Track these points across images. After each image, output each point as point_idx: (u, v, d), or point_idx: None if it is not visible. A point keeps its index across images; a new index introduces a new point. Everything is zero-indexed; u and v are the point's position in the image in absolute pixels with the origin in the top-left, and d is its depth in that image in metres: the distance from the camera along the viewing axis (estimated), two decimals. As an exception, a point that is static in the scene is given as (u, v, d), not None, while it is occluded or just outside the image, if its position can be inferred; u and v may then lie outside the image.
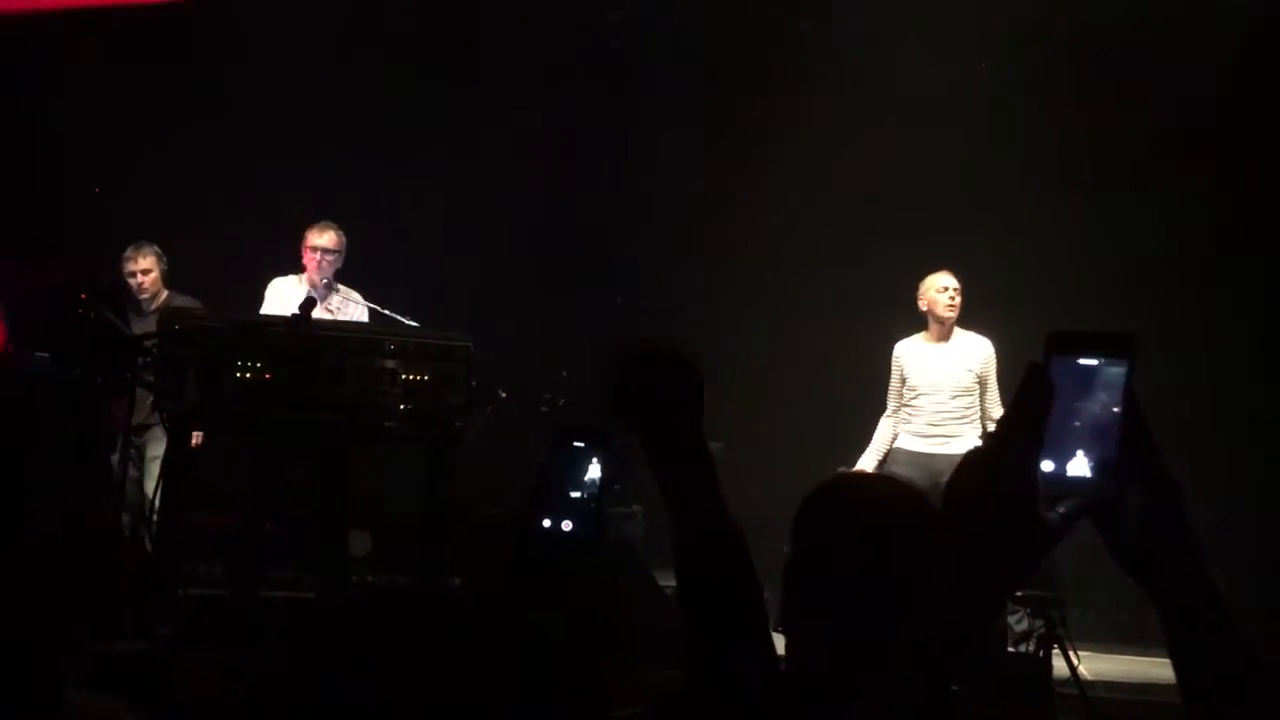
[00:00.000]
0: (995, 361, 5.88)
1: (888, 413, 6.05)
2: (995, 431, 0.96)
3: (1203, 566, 0.96)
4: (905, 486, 1.57)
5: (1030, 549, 0.93)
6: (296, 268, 5.65)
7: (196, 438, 5.49)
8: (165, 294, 6.08)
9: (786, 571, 1.47)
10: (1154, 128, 7.24)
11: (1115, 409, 0.93)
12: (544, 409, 6.33)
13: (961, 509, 0.95)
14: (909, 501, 1.49)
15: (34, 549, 1.69)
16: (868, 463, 5.94)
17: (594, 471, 1.41)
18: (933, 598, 0.95)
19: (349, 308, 5.60)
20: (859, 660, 1.30)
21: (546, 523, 1.39)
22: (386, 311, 5.54)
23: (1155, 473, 0.96)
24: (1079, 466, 0.92)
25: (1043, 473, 0.92)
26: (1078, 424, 0.93)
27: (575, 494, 1.40)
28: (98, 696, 1.70)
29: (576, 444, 1.42)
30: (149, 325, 5.38)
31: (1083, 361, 0.94)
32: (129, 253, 6.09)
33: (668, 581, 5.10)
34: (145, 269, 6.04)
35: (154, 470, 5.61)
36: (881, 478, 1.58)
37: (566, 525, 1.39)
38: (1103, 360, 0.94)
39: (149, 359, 4.89)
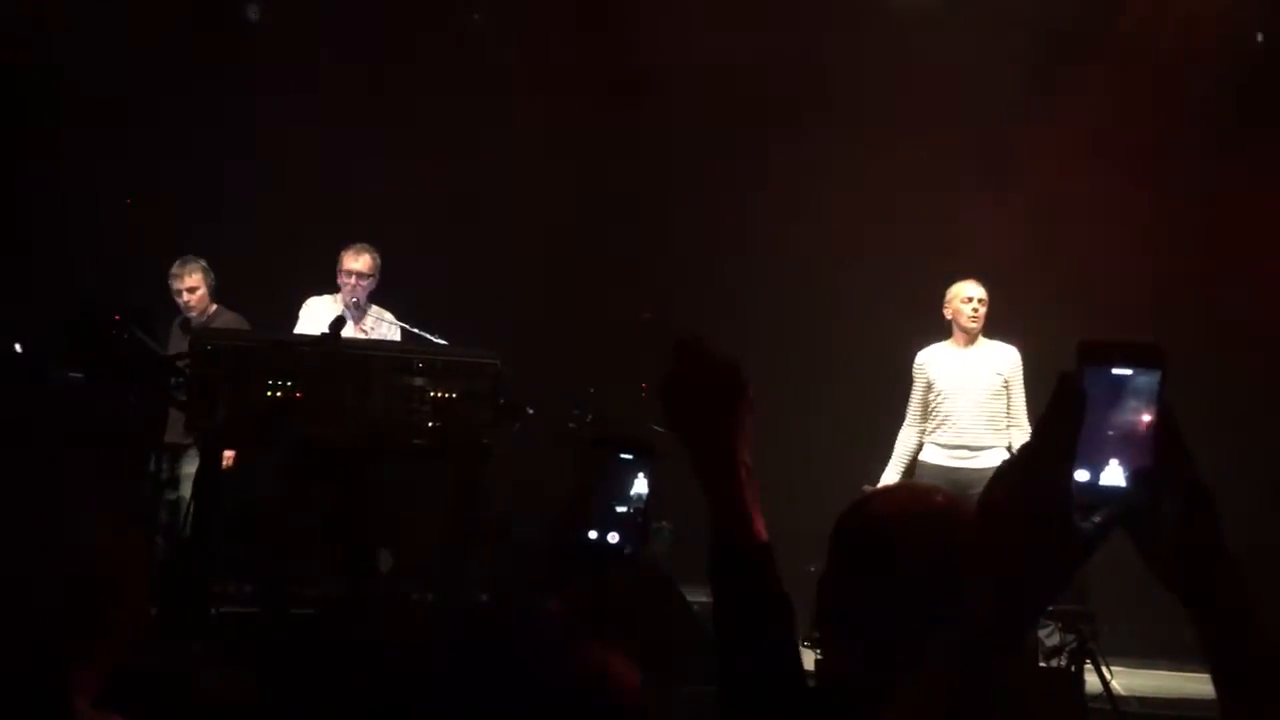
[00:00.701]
0: (1021, 369, 5.87)
1: (907, 423, 6.02)
2: (1028, 442, 0.96)
3: (1237, 575, 0.96)
4: (944, 494, 1.56)
5: (1066, 559, 0.93)
6: (332, 287, 5.71)
7: (227, 458, 5.54)
8: (213, 309, 6.14)
9: (821, 583, 1.47)
10: (1189, 130, 7.21)
11: (1148, 418, 0.93)
12: (571, 425, 6.34)
13: (996, 519, 0.95)
14: (947, 510, 1.49)
15: (40, 562, 1.70)
16: (891, 477, 5.92)
17: (640, 486, 1.40)
18: (967, 610, 0.95)
19: (382, 327, 5.65)
20: (891, 672, 1.30)
21: (593, 535, 1.39)
22: (422, 333, 5.58)
23: (1189, 481, 0.96)
24: (1113, 475, 0.93)
25: (1077, 482, 0.93)
26: (1111, 433, 0.93)
27: (621, 508, 1.40)
28: (106, 714, 1.71)
29: (624, 456, 1.41)
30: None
31: (1115, 371, 0.94)
32: (175, 269, 6.13)
33: (695, 597, 5.10)
34: (191, 286, 6.09)
35: (185, 487, 5.67)
36: (919, 487, 1.57)
37: (613, 538, 1.39)
38: (1135, 370, 0.94)
39: (181, 379, 4.94)
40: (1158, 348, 0.95)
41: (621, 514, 1.39)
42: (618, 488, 1.40)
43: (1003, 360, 5.88)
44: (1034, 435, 0.96)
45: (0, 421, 5.24)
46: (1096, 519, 0.93)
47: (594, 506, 1.40)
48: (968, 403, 5.85)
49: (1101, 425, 0.93)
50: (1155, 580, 1.00)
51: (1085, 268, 7.12)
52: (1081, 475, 0.93)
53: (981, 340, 5.96)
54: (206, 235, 6.68)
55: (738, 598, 1.41)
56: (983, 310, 5.89)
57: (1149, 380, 0.94)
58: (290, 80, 7.31)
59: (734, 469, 1.40)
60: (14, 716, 1.62)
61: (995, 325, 6.01)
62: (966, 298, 5.89)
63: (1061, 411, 0.93)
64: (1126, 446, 0.93)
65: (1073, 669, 4.60)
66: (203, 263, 6.14)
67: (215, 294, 6.15)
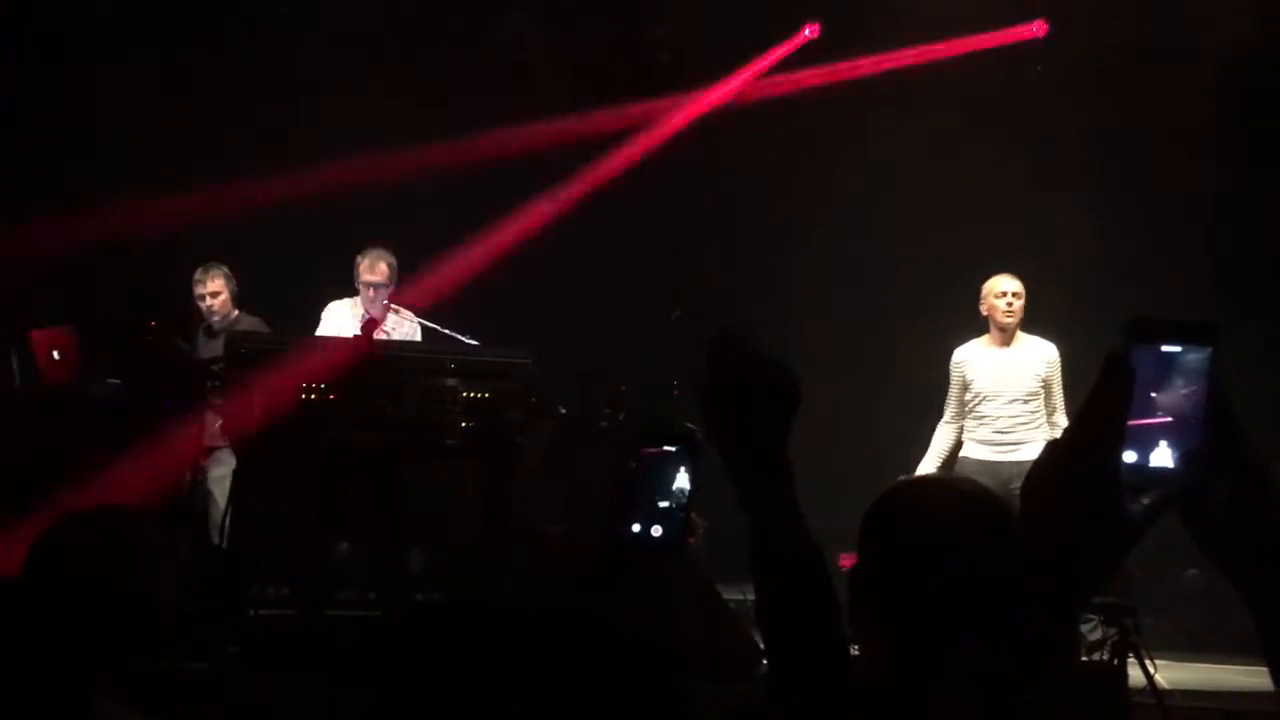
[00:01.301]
0: (1060, 365, 5.75)
1: (945, 420, 5.95)
2: (1074, 423, 0.93)
3: None
4: (976, 485, 1.54)
5: (1115, 542, 0.91)
6: (352, 290, 5.74)
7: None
8: (236, 314, 6.19)
9: (853, 578, 1.45)
10: (1225, 133, 7.13)
11: (1199, 397, 0.90)
12: (604, 424, 6.34)
13: (1042, 503, 0.92)
14: (980, 501, 1.46)
15: (63, 559, 1.70)
16: (927, 470, 5.85)
17: (682, 480, 1.39)
18: (1013, 598, 0.92)
19: (404, 327, 5.67)
20: (929, 668, 1.28)
21: (636, 527, 1.38)
22: (442, 329, 5.59)
23: (1243, 461, 0.92)
24: (1162, 457, 0.90)
25: (1125, 464, 0.90)
26: (1160, 413, 0.90)
27: (664, 503, 1.38)
28: (126, 709, 1.71)
29: (668, 449, 1.40)
30: (219, 347, 5.47)
31: (1165, 349, 0.91)
32: (198, 275, 6.18)
33: (731, 595, 5.07)
34: (215, 290, 6.13)
35: (218, 490, 5.72)
36: (951, 478, 1.54)
37: (656, 531, 1.37)
38: (1185, 347, 0.91)
39: (217, 383, 4.97)
40: (1209, 324, 0.92)
41: (664, 508, 1.38)
42: (660, 481, 1.39)
43: (1041, 360, 5.75)
44: (1079, 416, 0.93)
45: (40, 426, 5.31)
46: (1145, 501, 0.90)
47: (636, 501, 1.38)
48: (1004, 405, 5.77)
49: (1151, 405, 0.90)
50: (1205, 566, 0.96)
51: (1136, 261, 7.04)
52: (1129, 456, 0.90)
53: (1020, 337, 5.83)
54: (224, 236, 6.74)
55: (788, 599, 1.39)
56: (1018, 304, 5.77)
57: (1199, 358, 0.91)
58: (303, 78, 7.35)
59: (783, 469, 1.38)
60: (36, 711, 1.62)
61: (1043, 319, 5.89)
62: (1000, 292, 5.79)
63: (1109, 391, 0.90)
64: (1177, 426, 0.90)
65: (1115, 663, 4.54)
66: (225, 268, 6.19)
67: (237, 299, 6.20)
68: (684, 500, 1.38)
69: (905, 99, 7.37)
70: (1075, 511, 0.90)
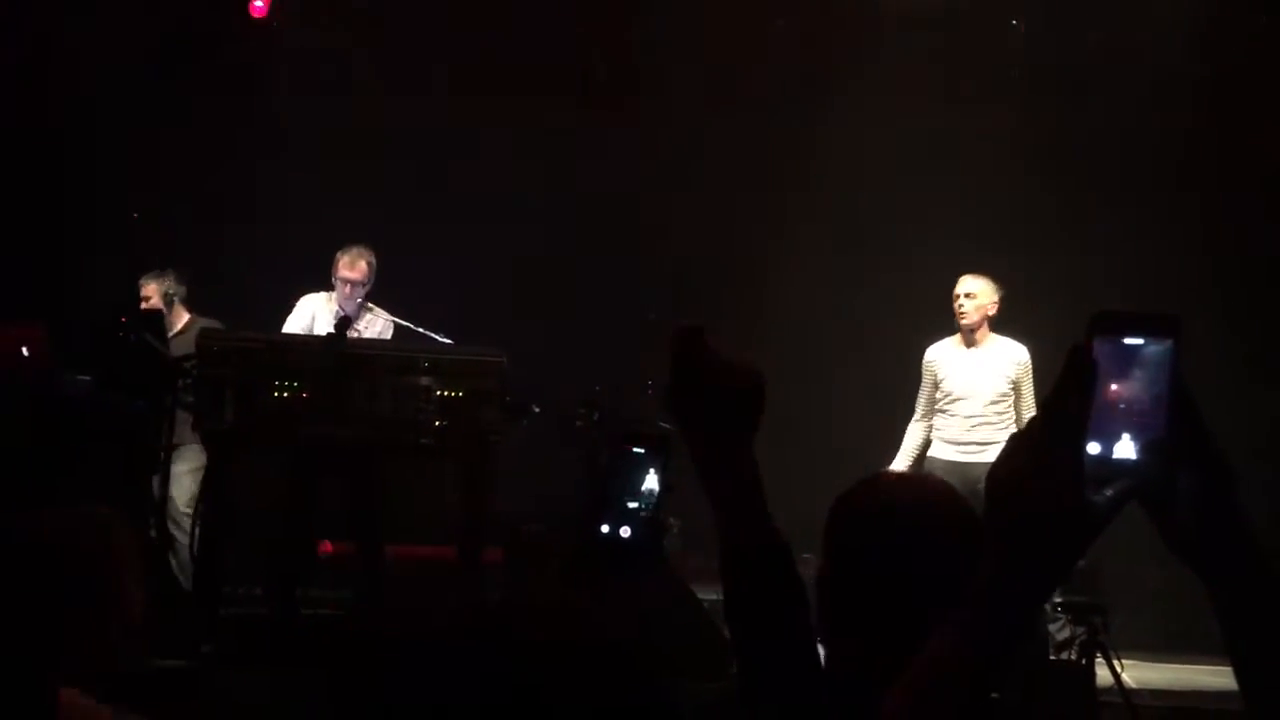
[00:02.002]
0: (1031, 367, 5.77)
1: (916, 417, 5.99)
2: (1038, 415, 0.94)
3: (1257, 549, 0.94)
4: (937, 481, 1.56)
5: (1078, 533, 0.91)
6: (326, 285, 5.72)
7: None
8: (187, 318, 6.18)
9: (820, 576, 1.47)
10: (1195, 129, 7.21)
11: (1161, 389, 0.91)
12: (578, 423, 6.34)
13: (1006, 494, 0.93)
14: (943, 497, 1.48)
15: (27, 551, 1.70)
16: (898, 469, 5.89)
17: (652, 481, 1.40)
18: (977, 591, 0.93)
19: (376, 324, 5.66)
20: (897, 665, 1.29)
21: (605, 528, 1.40)
22: (414, 327, 5.58)
23: (1207, 453, 0.93)
24: (1125, 449, 0.91)
25: (1089, 456, 0.91)
26: (1123, 405, 0.91)
27: (633, 504, 1.39)
28: (88, 700, 1.71)
29: (636, 451, 1.41)
30: (188, 345, 5.46)
31: (1127, 341, 0.92)
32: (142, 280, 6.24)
33: (705, 595, 5.09)
34: (146, 295, 6.18)
35: (183, 484, 5.71)
36: (913, 475, 1.57)
37: (625, 532, 1.39)
38: (1147, 340, 0.92)
39: (188, 380, 4.95)
40: (1171, 316, 0.92)
41: (634, 509, 1.40)
42: (630, 483, 1.40)
43: (1010, 361, 5.77)
44: (1044, 408, 0.94)
45: (7, 422, 5.26)
46: (1109, 493, 0.91)
47: (607, 502, 1.40)
48: (973, 405, 5.80)
49: (1114, 397, 0.91)
50: (1172, 560, 0.97)
51: (1112, 260, 7.10)
52: (1093, 448, 0.91)
53: (991, 337, 5.85)
54: (200, 237, 6.73)
55: (757, 597, 1.40)
56: (969, 305, 5.77)
57: (1162, 350, 0.91)
58: (282, 77, 7.33)
59: (750, 468, 1.39)
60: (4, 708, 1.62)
61: (1014, 321, 5.92)
62: (955, 294, 5.83)
63: (1072, 383, 0.91)
64: (1140, 419, 0.91)
65: (1083, 662, 4.59)
66: (156, 272, 6.22)
67: (188, 302, 6.22)
68: (654, 501, 1.39)
69: (876, 94, 7.41)
70: (1039, 503, 0.91)
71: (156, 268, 6.28)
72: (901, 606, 1.38)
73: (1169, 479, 0.92)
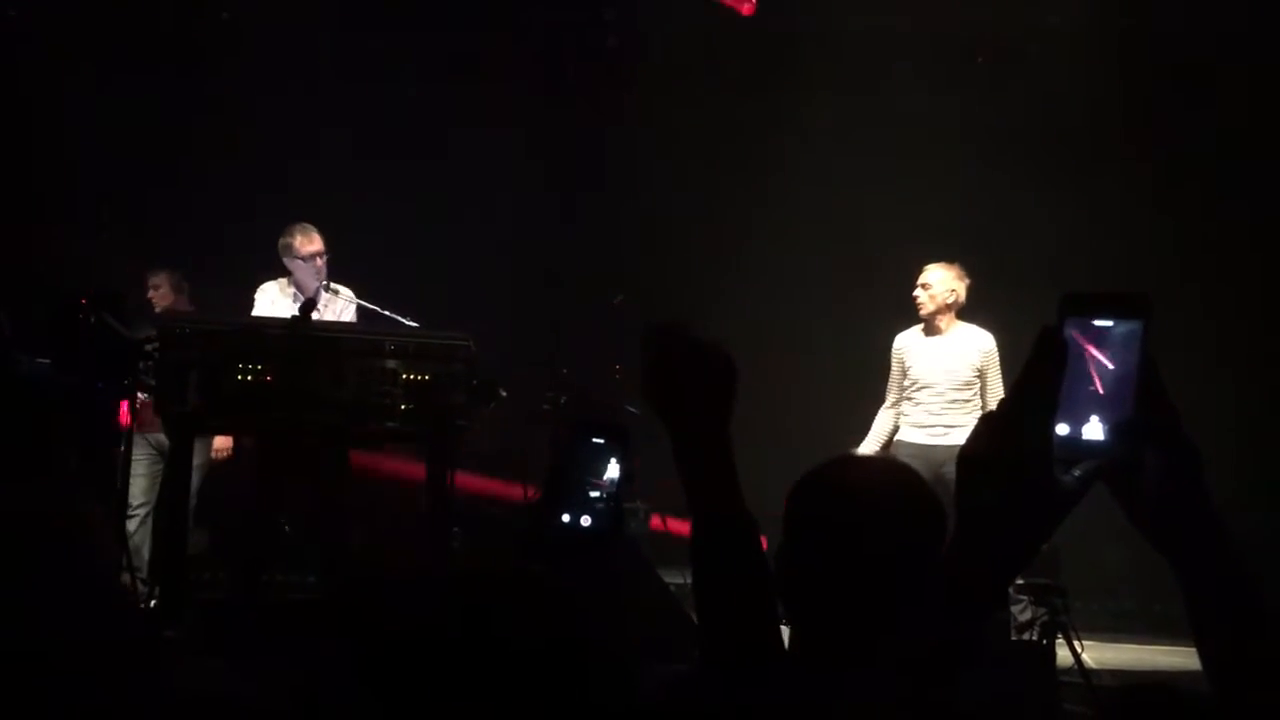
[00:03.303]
0: (997, 355, 5.82)
1: (886, 405, 6.04)
2: (1009, 395, 0.94)
3: (1221, 529, 0.94)
4: (900, 463, 1.58)
5: (1046, 512, 0.92)
6: (280, 272, 5.68)
7: (225, 447, 5.58)
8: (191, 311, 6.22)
9: (780, 553, 1.47)
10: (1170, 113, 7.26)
11: (1130, 370, 0.91)
12: (545, 407, 6.34)
13: (976, 474, 0.93)
14: (903, 478, 1.50)
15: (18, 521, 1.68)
16: (866, 453, 5.93)
17: (612, 470, 1.40)
18: (945, 567, 0.94)
19: (336, 304, 5.63)
20: (856, 641, 1.31)
21: (565, 518, 1.39)
22: (379, 309, 5.55)
23: (1173, 434, 0.93)
24: (1094, 430, 0.91)
25: (1058, 436, 0.91)
26: (1092, 386, 0.91)
27: (594, 493, 1.40)
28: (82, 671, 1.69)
29: (595, 440, 1.41)
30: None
31: (1097, 323, 0.92)
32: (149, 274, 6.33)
33: (672, 579, 5.11)
34: (155, 284, 6.27)
35: (139, 470, 5.69)
36: (875, 456, 1.58)
37: (585, 521, 1.39)
38: (1117, 321, 0.92)
39: (150, 363, 4.90)
40: (1140, 297, 0.93)
41: (594, 498, 1.40)
42: (590, 472, 1.40)
43: (975, 349, 5.82)
44: (1014, 388, 0.94)
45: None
46: (1077, 472, 0.91)
47: (567, 491, 1.40)
48: (938, 392, 5.85)
49: (1083, 378, 0.91)
50: (1130, 543, 0.98)
51: (1077, 245, 7.15)
52: (1062, 429, 0.91)
53: (957, 325, 5.90)
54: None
55: (724, 573, 1.42)
56: (923, 295, 5.83)
57: (1131, 331, 0.91)
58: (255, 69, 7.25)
59: (724, 448, 1.40)
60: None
61: (980, 308, 5.96)
62: (916, 284, 5.90)
63: (1042, 364, 0.91)
64: (1108, 399, 0.91)
65: (1044, 642, 4.65)
66: (170, 270, 6.34)
67: (177, 295, 6.24)
68: (614, 490, 1.40)
69: (847, 80, 7.42)
70: (1008, 482, 0.91)
71: (146, 257, 6.36)
72: (861, 586, 1.39)
73: (1137, 460, 0.92)
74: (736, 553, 1.41)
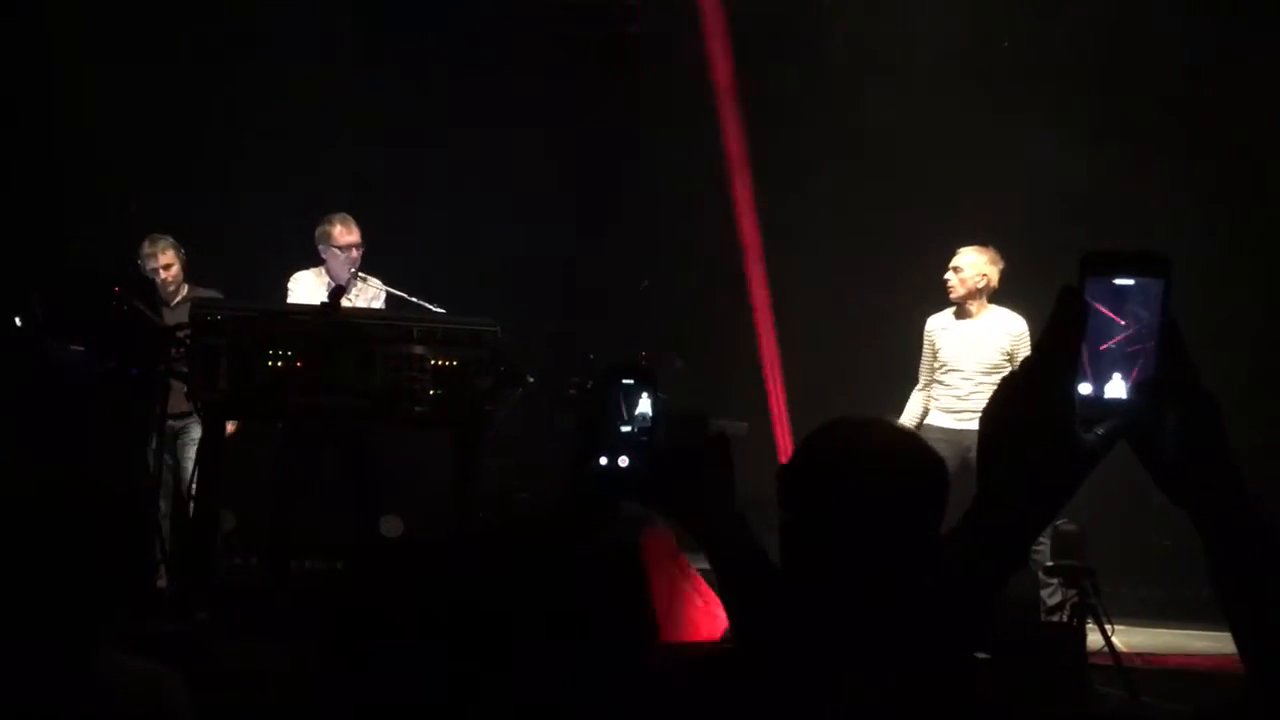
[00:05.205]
0: (1029, 338, 5.77)
1: (919, 386, 6.04)
2: (1031, 355, 0.95)
3: (1242, 483, 0.94)
4: (903, 429, 1.61)
5: (1069, 471, 0.92)
6: (315, 261, 5.71)
7: (229, 428, 5.55)
8: (186, 288, 6.14)
9: (785, 525, 1.48)
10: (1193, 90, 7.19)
11: (1151, 328, 0.91)
12: (571, 392, 6.35)
13: (998, 434, 0.93)
14: (906, 442, 1.51)
15: (69, 515, 1.70)
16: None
17: (645, 405, 1.40)
18: (962, 533, 0.94)
19: (367, 293, 5.66)
20: (862, 607, 1.31)
21: (603, 461, 1.39)
22: (407, 296, 5.58)
23: (1193, 390, 0.94)
24: (1116, 388, 0.91)
25: (1080, 395, 0.91)
26: (1114, 345, 0.92)
27: (627, 429, 1.39)
28: (140, 661, 1.72)
29: (625, 380, 1.41)
30: (175, 318, 5.44)
31: (1118, 282, 0.92)
32: (146, 248, 6.11)
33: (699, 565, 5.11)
34: (166, 264, 6.09)
35: (191, 455, 5.70)
36: (878, 420, 1.60)
37: (623, 461, 1.39)
38: (1138, 280, 0.92)
39: (182, 349, 4.93)
40: (1161, 256, 0.92)
41: (628, 434, 1.39)
42: (624, 410, 1.40)
43: (1005, 333, 5.79)
44: (1036, 348, 0.94)
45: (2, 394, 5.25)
46: (1099, 431, 0.91)
47: (602, 437, 1.40)
48: (966, 375, 5.83)
49: (1105, 337, 0.91)
50: (1162, 528, 0.98)
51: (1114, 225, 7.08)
52: (1084, 388, 0.91)
53: (989, 308, 5.87)
54: (176, 210, 6.71)
55: (755, 611, 1.47)
56: (954, 279, 5.82)
57: (1153, 289, 0.92)
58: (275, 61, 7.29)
59: (741, 520, 1.48)
60: (34, 665, 1.63)
61: (1010, 291, 5.91)
62: (947, 268, 5.88)
63: (1063, 323, 0.91)
64: (1130, 358, 0.91)
65: (1075, 624, 4.63)
66: (172, 239, 6.14)
67: (188, 271, 6.16)
68: (648, 425, 1.40)
69: (874, 62, 7.38)
70: (1030, 441, 0.91)
71: (164, 233, 6.16)
72: (864, 549, 1.40)
73: (1159, 417, 0.92)
74: (761, 596, 1.47)
